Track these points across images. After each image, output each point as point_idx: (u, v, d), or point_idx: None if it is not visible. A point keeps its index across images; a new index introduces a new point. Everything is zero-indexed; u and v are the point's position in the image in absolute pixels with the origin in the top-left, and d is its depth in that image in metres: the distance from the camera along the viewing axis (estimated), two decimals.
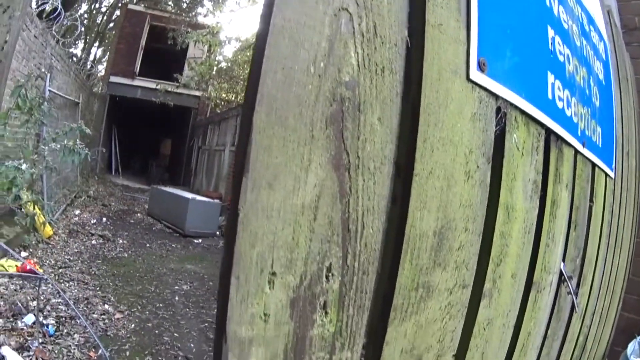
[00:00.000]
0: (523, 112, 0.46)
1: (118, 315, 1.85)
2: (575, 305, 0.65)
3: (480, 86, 0.39)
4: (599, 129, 0.76)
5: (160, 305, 2.16)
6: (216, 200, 4.80)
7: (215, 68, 7.41)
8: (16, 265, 1.72)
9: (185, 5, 7.14)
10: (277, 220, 0.25)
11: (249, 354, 0.26)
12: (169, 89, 7.42)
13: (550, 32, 0.59)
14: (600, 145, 0.77)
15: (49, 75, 2.85)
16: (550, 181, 0.52)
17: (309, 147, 0.26)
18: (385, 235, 0.30)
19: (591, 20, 0.84)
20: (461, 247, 0.37)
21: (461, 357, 0.41)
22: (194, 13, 6.88)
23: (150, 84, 7.68)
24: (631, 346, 1.19)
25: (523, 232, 0.46)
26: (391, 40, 0.31)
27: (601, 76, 0.84)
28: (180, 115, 9.02)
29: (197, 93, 8.34)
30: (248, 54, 6.74)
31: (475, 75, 0.40)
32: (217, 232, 4.29)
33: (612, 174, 0.86)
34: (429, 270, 0.34)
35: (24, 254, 2.13)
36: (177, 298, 2.30)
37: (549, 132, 0.53)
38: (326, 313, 0.28)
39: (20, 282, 1.74)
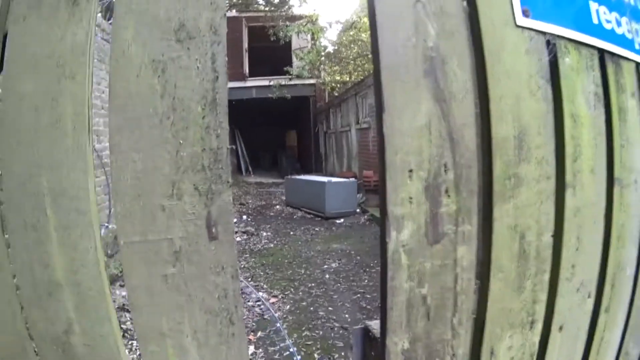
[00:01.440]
0: (571, 40, 0.55)
1: (272, 300, 2.09)
2: None
3: (528, 28, 0.50)
4: None
5: (312, 284, 2.33)
6: (351, 179, 5.01)
7: (323, 54, 7.59)
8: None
9: (276, 0, 7.31)
10: (407, 137, 0.40)
11: (403, 225, 0.41)
12: (283, 83, 7.77)
13: None
14: None
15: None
16: (613, 91, 0.58)
17: (417, 90, 0.41)
18: (479, 139, 0.43)
19: None
20: (538, 147, 0.48)
21: (558, 237, 0.51)
22: (287, 7, 7.09)
23: (263, 81, 8.07)
24: None
25: (593, 134, 0.54)
26: (454, 13, 0.45)
27: None
28: (299, 105, 9.42)
29: (311, 81, 8.54)
30: (351, 33, 6.88)
31: (522, 21, 0.51)
32: (357, 210, 4.48)
33: None
34: (516, 164, 0.46)
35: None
36: (327, 276, 2.47)
37: (601, 51, 0.59)
38: (448, 196, 0.42)
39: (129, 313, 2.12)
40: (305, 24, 6.74)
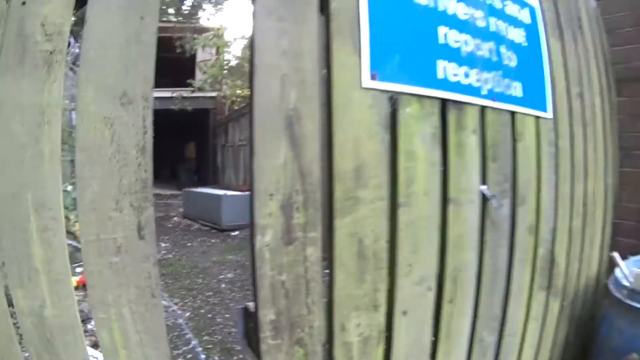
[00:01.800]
0: (413, 94, 0.98)
1: (174, 308, 2.63)
2: (502, 217, 1.15)
3: (373, 89, 0.91)
4: (516, 83, 1.26)
5: (210, 293, 3.05)
6: (247, 193, 5.84)
7: (226, 67, 9.50)
8: (76, 280, 2.39)
9: (187, 11, 9.45)
10: (269, 172, 0.78)
11: (266, 232, 0.80)
12: (185, 95, 9.64)
13: (443, 30, 1.10)
14: (521, 96, 1.27)
15: (73, 104, 3.63)
16: (452, 131, 1.03)
17: (279, 140, 0.79)
18: (323, 173, 0.82)
19: None
20: (374, 177, 0.89)
21: (393, 243, 0.93)
22: (196, 18, 9.36)
23: (166, 93, 9.47)
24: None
25: (427, 165, 0.98)
26: (312, 82, 0.84)
27: (521, 39, 1.33)
28: (199, 117, 11.64)
29: (213, 94, 10.71)
30: None
31: (368, 83, 0.92)
32: None
33: (547, 115, 1.35)
34: (354, 189, 0.86)
35: (79, 269, 2.88)
36: (223, 285, 3.28)
37: (444, 100, 1.04)
38: (298, 212, 0.80)
39: (83, 292, 2.46)
40: (212, 38, 8.67)
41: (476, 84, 1.13)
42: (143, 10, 0.72)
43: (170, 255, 4.14)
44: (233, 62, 10.03)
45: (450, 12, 1.13)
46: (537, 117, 1.31)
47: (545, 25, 1.48)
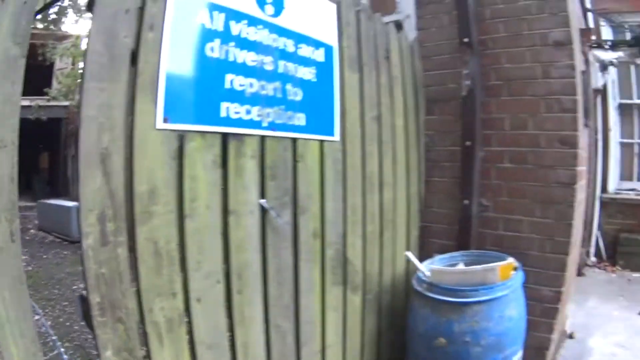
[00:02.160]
0: (198, 131, 1.73)
1: (36, 317, 3.35)
2: (282, 225, 1.96)
3: (165, 129, 1.63)
4: (300, 114, 2.11)
5: (66, 303, 4.20)
6: None
7: (80, 78, 10.93)
8: None
9: (52, 18, 11.86)
10: (89, 195, 1.44)
11: (89, 237, 1.48)
12: (41, 104, 11.87)
13: (230, 77, 1.89)
14: (304, 124, 2.12)
15: None
16: (232, 158, 1.81)
17: (94, 170, 1.44)
18: (127, 193, 1.50)
19: (303, 39, 2.19)
20: (164, 195, 1.60)
21: (182, 245, 1.65)
22: (60, 25, 11.62)
23: (25, 101, 10.79)
24: (426, 264, 2.64)
25: (209, 185, 1.73)
26: (121, 127, 1.51)
27: (311, 76, 2.20)
28: (53, 127, 14.60)
29: (65, 103, 13.28)
30: None
31: (161, 125, 1.64)
32: None
33: (334, 138, 2.23)
34: (149, 205, 1.56)
35: None
36: (77, 295, 4.15)
37: (225, 134, 1.81)
38: (110, 222, 1.46)
39: None
40: (70, 47, 11.36)
41: (257, 119, 1.93)
42: (13, 79, 1.35)
43: (30, 268, 5.33)
44: None
45: (239, 61, 1.92)
46: (322, 141, 2.18)
47: (342, 61, 2.39)
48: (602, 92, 7.88)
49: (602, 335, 4.86)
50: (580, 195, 3.28)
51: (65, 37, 12.51)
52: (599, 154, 8.13)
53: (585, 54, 6.25)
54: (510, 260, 2.52)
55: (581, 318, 5.45)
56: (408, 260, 2.75)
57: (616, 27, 8.35)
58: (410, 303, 2.58)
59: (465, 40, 3.11)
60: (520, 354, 2.52)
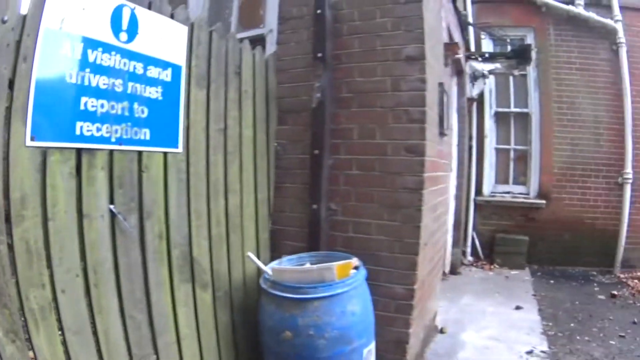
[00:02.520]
0: (57, 148, 2.79)
1: None
2: (129, 228, 3.06)
3: (32, 146, 2.67)
4: (145, 130, 3.24)
5: None
6: None
7: None
8: None
9: None
10: None
11: None
12: None
13: (84, 99, 2.97)
14: (149, 139, 3.25)
15: None
16: (85, 169, 2.88)
17: None
18: (4, 198, 2.55)
19: (152, 61, 3.32)
20: (32, 201, 2.62)
21: (47, 244, 2.70)
22: None
23: None
24: (273, 264, 3.86)
25: (66, 193, 2.78)
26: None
27: (157, 95, 3.34)
28: None
29: None
30: None
31: (29, 143, 2.67)
32: None
33: (177, 150, 3.38)
34: (21, 210, 2.57)
35: None
36: None
37: (80, 149, 2.90)
38: None
39: None
40: None
41: (106, 135, 3.00)
42: None
43: None
44: None
45: (93, 85, 2.97)
46: (166, 153, 3.30)
47: (190, 79, 3.52)
48: (478, 100, 10.71)
49: (476, 329, 6.49)
50: (432, 200, 4.64)
51: None
52: (473, 159, 10.91)
53: (460, 65, 8.13)
54: (350, 260, 3.76)
55: (454, 314, 7.21)
56: (260, 260, 3.94)
57: (497, 40, 11.23)
58: (259, 300, 3.74)
59: (319, 55, 4.38)
60: (372, 346, 3.74)
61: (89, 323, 2.86)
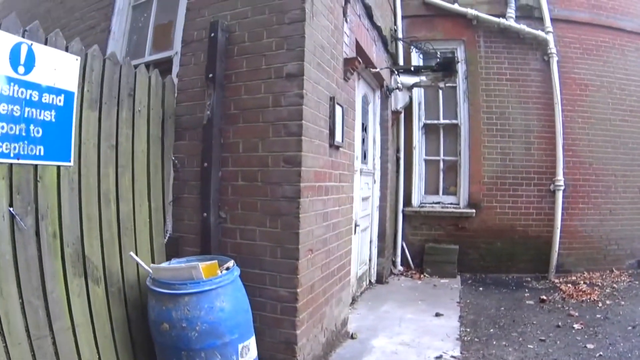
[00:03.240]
0: None
1: None
2: (26, 227, 4.40)
3: None
4: (40, 147, 4.60)
5: None
6: None
7: None
8: None
9: None
10: None
11: None
12: None
13: None
14: (43, 154, 4.62)
15: None
16: None
17: None
18: None
19: (47, 90, 4.69)
20: None
21: None
22: None
23: None
24: (164, 264, 5.23)
25: None
26: None
27: (51, 118, 4.71)
28: None
29: None
30: None
31: None
32: None
33: (69, 164, 4.76)
34: None
35: None
36: None
37: None
38: None
39: None
40: None
41: (6, 151, 4.26)
42: None
43: None
44: None
45: None
46: (59, 166, 4.64)
47: (83, 102, 4.89)
48: (407, 113, 12.77)
49: (388, 335, 7.81)
50: (319, 208, 5.98)
51: None
52: (401, 171, 12.80)
53: (381, 79, 9.92)
54: (214, 261, 5.01)
55: (371, 321, 8.60)
56: (154, 261, 5.28)
57: (425, 54, 13.17)
58: (146, 295, 5.04)
59: (210, 75, 5.73)
60: (248, 342, 4.91)
61: None
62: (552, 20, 12.76)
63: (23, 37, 4.38)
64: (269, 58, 5.67)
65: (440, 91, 13.29)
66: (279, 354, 5.49)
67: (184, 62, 6.20)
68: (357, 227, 9.63)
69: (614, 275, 12.44)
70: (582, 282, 11.60)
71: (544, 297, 10.23)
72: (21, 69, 4.39)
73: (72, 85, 4.80)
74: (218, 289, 4.64)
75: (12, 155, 4.36)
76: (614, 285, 11.36)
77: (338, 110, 6.62)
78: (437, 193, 13.73)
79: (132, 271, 5.29)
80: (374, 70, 9.69)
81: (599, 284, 11.54)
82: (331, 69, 6.50)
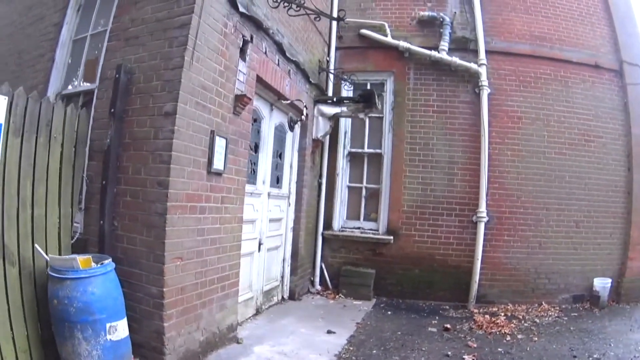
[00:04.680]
0: None
1: None
2: None
3: None
4: None
5: None
6: None
7: None
8: None
9: None
10: None
11: None
12: None
13: None
14: None
15: None
16: None
17: None
18: None
19: None
20: None
21: None
22: None
23: None
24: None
25: None
26: None
27: None
28: None
29: None
30: None
31: None
32: None
33: None
34: None
35: None
36: None
37: None
38: None
39: None
40: None
41: None
42: None
43: None
44: None
45: None
46: None
47: (8, 131, 9.31)
48: (333, 141, 17.67)
49: (272, 344, 10.78)
50: (193, 225, 9.89)
51: None
52: (322, 196, 17.51)
53: (299, 109, 15.48)
54: (89, 256, 8.78)
55: (264, 331, 11.81)
56: (60, 252, 9.67)
57: (357, 85, 17.70)
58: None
59: (112, 110, 9.84)
60: (116, 324, 8.13)
61: None
62: (488, 52, 16.91)
63: None
64: (155, 98, 9.14)
65: (367, 120, 17.63)
66: (152, 341, 8.88)
67: (99, 95, 9.98)
68: (261, 245, 13.77)
69: (541, 309, 15.53)
70: (502, 314, 14.65)
71: (448, 326, 13.11)
72: None
73: (0, 118, 8.83)
74: (91, 278, 7.99)
75: None
76: (536, 319, 14.27)
77: (220, 142, 10.23)
78: (358, 219, 18.15)
79: (42, 261, 8.47)
80: (284, 101, 13.88)
81: (520, 317, 14.49)
82: (215, 105, 10.10)
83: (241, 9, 10.96)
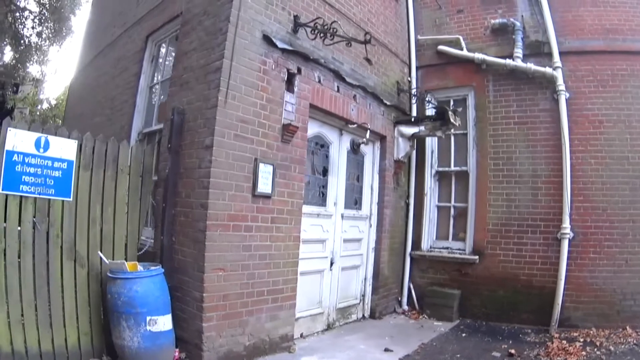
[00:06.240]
0: (13, 194, 11.60)
1: None
2: (42, 229, 11.76)
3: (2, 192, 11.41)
4: (52, 189, 12.00)
5: None
6: None
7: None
8: None
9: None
10: None
11: None
12: None
13: (23, 177, 11.87)
14: (54, 193, 12.09)
15: None
16: (23, 204, 11.53)
17: None
18: None
19: (57, 160, 12.21)
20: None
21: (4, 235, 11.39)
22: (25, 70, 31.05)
23: None
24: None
25: (15, 213, 11.55)
26: None
27: (58, 174, 12.18)
28: None
29: None
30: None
31: (0, 191, 11.42)
32: None
33: (69, 199, 12.25)
34: None
35: None
36: None
37: (21, 196, 11.71)
38: None
39: None
40: (23, 98, 30.31)
41: (32, 190, 11.45)
42: None
43: None
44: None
45: (26, 171, 11.53)
46: (63, 200, 11.93)
47: (80, 166, 12.20)
48: (420, 161, 18.26)
49: (321, 356, 11.97)
50: (236, 241, 11.75)
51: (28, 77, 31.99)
52: (410, 216, 18.02)
53: (374, 132, 16.88)
54: (136, 262, 11.59)
55: (322, 344, 13.08)
56: (127, 259, 12.45)
57: (440, 102, 17.56)
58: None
59: (169, 145, 12.46)
60: (157, 318, 10.19)
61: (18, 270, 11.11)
62: (562, 53, 15.71)
63: (41, 132, 11.39)
64: (199, 134, 10.97)
65: (452, 138, 17.79)
66: (194, 339, 10.51)
67: (163, 133, 12.54)
68: (333, 264, 14.74)
69: (624, 334, 13.59)
70: (582, 339, 13.30)
71: (513, 351, 12.40)
72: (41, 150, 11.06)
73: (72, 156, 11.69)
74: (135, 279, 9.99)
75: (36, 193, 11.34)
76: (611, 347, 12.59)
77: (266, 168, 11.76)
78: (447, 238, 17.84)
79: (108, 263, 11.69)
80: (351, 125, 14.88)
81: (598, 343, 12.94)
82: (258, 135, 11.63)
83: (281, 45, 12.10)
